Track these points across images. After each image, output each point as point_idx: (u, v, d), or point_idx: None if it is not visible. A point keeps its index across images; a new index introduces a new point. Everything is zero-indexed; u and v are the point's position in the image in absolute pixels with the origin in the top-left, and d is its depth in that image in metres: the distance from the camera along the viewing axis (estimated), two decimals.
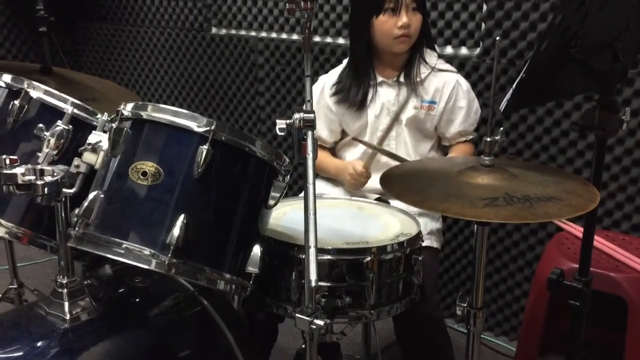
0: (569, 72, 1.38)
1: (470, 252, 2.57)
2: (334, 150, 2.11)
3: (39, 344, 1.32)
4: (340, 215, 1.75)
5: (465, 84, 2.00)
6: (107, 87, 2.24)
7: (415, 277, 1.54)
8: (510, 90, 1.30)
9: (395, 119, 1.93)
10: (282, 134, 1.15)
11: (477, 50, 2.37)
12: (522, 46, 2.25)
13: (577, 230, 2.07)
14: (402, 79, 1.97)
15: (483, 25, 2.33)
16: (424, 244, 1.62)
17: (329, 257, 1.44)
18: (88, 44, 3.73)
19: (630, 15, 1.42)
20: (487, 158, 1.37)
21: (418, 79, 1.95)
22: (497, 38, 1.33)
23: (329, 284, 1.44)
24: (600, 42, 1.37)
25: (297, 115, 1.14)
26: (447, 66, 2.03)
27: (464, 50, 2.42)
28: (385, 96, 1.98)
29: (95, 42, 3.69)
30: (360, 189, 1.95)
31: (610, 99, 1.39)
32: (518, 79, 1.28)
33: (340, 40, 2.73)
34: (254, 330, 1.80)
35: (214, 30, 3.16)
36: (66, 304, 1.38)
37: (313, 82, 2.06)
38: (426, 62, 1.97)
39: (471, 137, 2.02)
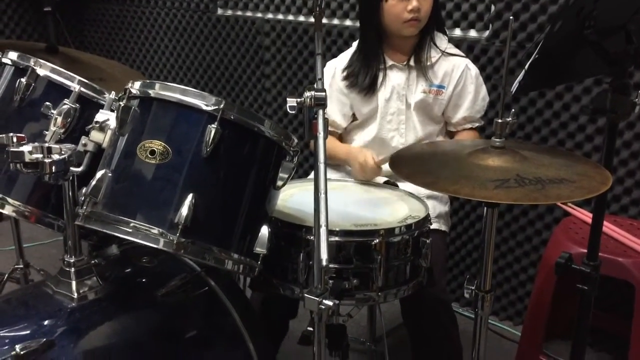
0: (582, 54, 1.37)
1: (476, 236, 2.56)
2: (340, 137, 2.09)
3: (46, 322, 1.32)
4: (349, 198, 1.74)
5: (474, 69, 1.98)
6: (113, 67, 2.23)
7: (423, 260, 1.53)
8: (522, 72, 1.29)
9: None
10: (293, 112, 1.14)
11: (486, 33, 2.35)
12: (532, 29, 2.22)
13: (585, 215, 2.06)
14: (412, 62, 1.95)
15: (493, 7, 2.30)
16: (432, 227, 1.61)
17: (336, 238, 1.43)
18: (93, 25, 3.71)
19: None
20: (498, 140, 1.35)
21: (428, 63, 1.94)
22: (511, 18, 1.30)
23: (336, 266, 1.43)
24: (613, 23, 1.35)
25: (308, 94, 1.12)
26: (457, 50, 2.01)
27: (472, 33, 2.40)
28: (395, 80, 1.96)
29: (100, 22, 3.66)
30: (365, 179, 1.92)
31: (623, 81, 1.37)
32: (530, 60, 1.27)
33: (348, 22, 2.71)
34: (269, 310, 1.80)
35: (219, 11, 3.14)
36: (74, 283, 1.39)
37: (323, 63, 2.05)
38: (436, 46, 1.95)
39: (477, 124, 2.01)
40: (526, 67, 1.30)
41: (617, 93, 1.37)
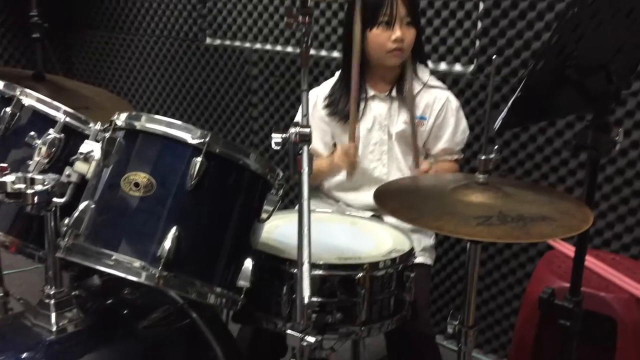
0: (564, 92, 1.39)
1: (461, 268, 2.56)
2: None
3: (24, 355, 1.30)
4: (333, 230, 1.74)
5: (455, 102, 2.00)
6: (100, 95, 2.23)
7: (407, 294, 1.53)
8: (506, 109, 1.31)
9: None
10: (278, 148, 1.15)
11: (471, 67, 2.38)
12: (516, 64, 2.26)
13: (568, 249, 2.07)
14: (394, 93, 1.97)
15: (477, 42, 2.34)
16: (416, 261, 1.62)
17: (320, 272, 1.43)
18: (81, 52, 3.72)
19: (624, 37, 1.43)
20: (481, 176, 1.36)
21: (410, 94, 1.96)
22: (494, 56, 1.33)
23: (320, 300, 1.43)
24: (594, 63, 1.38)
25: (292, 130, 1.13)
26: (439, 83, 2.04)
27: (458, 67, 2.43)
28: (376, 110, 1.98)
29: (88, 49, 3.68)
30: (355, 167, 1.96)
31: (604, 119, 1.39)
32: (513, 97, 1.28)
33: (335, 54, 2.74)
34: (258, 346, 1.78)
35: (208, 40, 3.16)
36: (53, 315, 1.37)
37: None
38: (418, 78, 1.98)
39: (457, 156, 2.02)
40: (509, 103, 1.32)
41: (598, 131, 1.39)
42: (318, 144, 2.03)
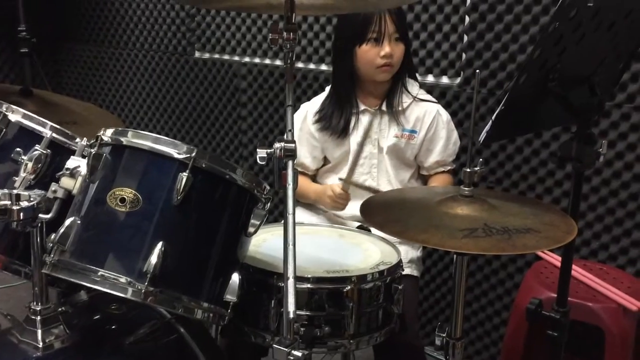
0: (547, 105, 1.41)
1: (450, 279, 2.57)
2: (314, 177, 2.12)
3: None
4: (321, 243, 1.74)
5: (445, 115, 2.02)
6: (88, 110, 2.23)
7: (395, 306, 1.54)
8: (490, 122, 1.32)
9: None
10: (263, 163, 1.15)
11: (458, 80, 2.40)
12: (502, 77, 2.28)
13: (556, 259, 2.08)
14: (384, 107, 1.98)
15: (464, 55, 2.36)
16: (404, 273, 1.62)
17: (308, 285, 1.43)
18: (70, 66, 3.72)
19: (607, 51, 1.45)
20: (466, 189, 1.37)
21: (400, 108, 1.97)
22: (477, 70, 1.34)
23: (308, 313, 1.43)
24: (577, 76, 1.39)
25: (277, 145, 1.14)
26: (428, 96, 2.05)
27: (445, 80, 2.45)
28: (367, 124, 1.99)
29: (77, 64, 3.68)
30: (342, 210, 1.95)
31: (587, 131, 1.41)
32: (497, 111, 1.29)
33: (323, 67, 2.75)
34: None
35: (197, 54, 3.17)
36: (39, 332, 1.36)
37: (295, 109, 2.08)
38: (408, 92, 1.99)
39: (449, 167, 2.04)
40: (493, 117, 1.33)
41: (582, 143, 1.41)
42: (307, 158, 2.04)
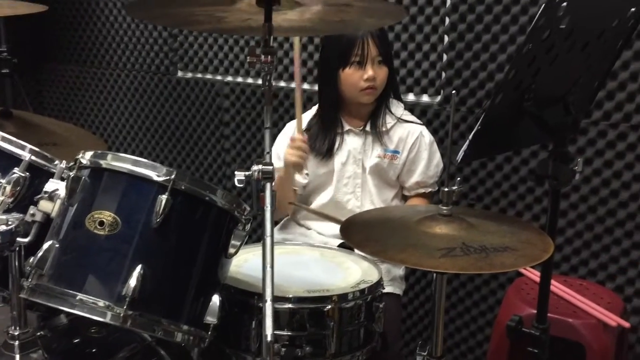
0: (523, 124, 1.43)
1: (432, 297, 2.57)
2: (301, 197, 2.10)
3: None
4: (302, 262, 1.74)
5: (428, 136, 2.04)
6: (69, 130, 2.23)
7: (376, 324, 1.54)
8: (467, 142, 1.34)
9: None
10: (241, 185, 1.16)
11: (438, 98, 2.43)
12: (481, 95, 2.31)
13: (537, 276, 2.09)
14: (368, 128, 2.00)
15: (443, 74, 2.39)
16: (385, 291, 1.63)
17: (289, 305, 1.44)
18: (52, 86, 3.70)
19: (581, 70, 1.48)
20: (445, 208, 1.39)
21: (384, 129, 1.99)
22: (454, 91, 1.36)
23: (289, 333, 1.44)
24: (552, 95, 1.42)
25: (255, 167, 1.15)
26: (412, 117, 2.07)
27: (425, 98, 2.48)
28: (351, 144, 2.00)
29: (59, 84, 3.66)
30: (305, 161, 1.90)
31: (563, 150, 1.43)
32: (474, 130, 1.31)
33: (305, 86, 2.77)
34: None
35: (179, 73, 3.18)
36: (17, 357, 1.36)
37: (280, 129, 2.09)
38: (392, 113, 2.01)
39: (430, 189, 2.05)
40: (470, 136, 1.35)
41: (558, 161, 1.43)
42: (296, 175, 2.03)
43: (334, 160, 2.01)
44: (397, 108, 2.04)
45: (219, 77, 3.05)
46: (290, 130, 2.06)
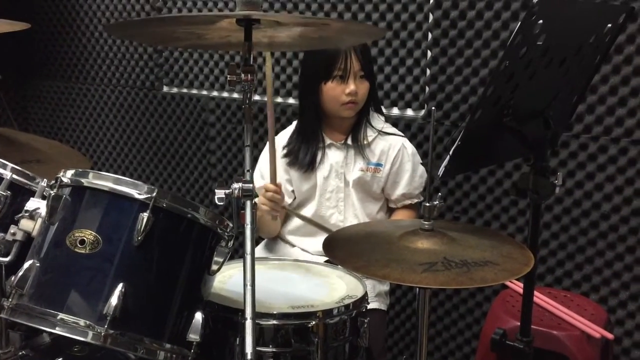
0: (503, 139, 1.44)
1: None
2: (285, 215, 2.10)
3: None
4: (287, 278, 1.74)
5: (410, 148, 2.05)
6: (53, 148, 2.21)
7: (361, 339, 1.54)
8: (447, 157, 1.35)
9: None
10: (221, 203, 1.16)
11: (422, 112, 2.45)
12: (464, 109, 2.33)
13: (522, 288, 2.11)
14: (349, 141, 2.01)
15: (427, 88, 2.41)
16: (371, 307, 1.63)
17: (274, 321, 1.44)
18: (37, 102, 3.69)
19: (560, 85, 1.50)
20: (426, 222, 1.39)
21: (365, 142, 2.00)
22: (433, 108, 1.37)
23: (274, 350, 1.43)
24: (531, 110, 1.43)
25: (236, 185, 1.15)
26: (394, 130, 2.09)
27: (409, 112, 2.49)
28: (333, 158, 2.01)
29: (44, 100, 3.65)
30: (279, 211, 1.88)
31: (543, 164, 1.45)
32: (454, 146, 1.32)
33: (291, 100, 2.78)
34: None
35: (165, 88, 3.18)
36: None
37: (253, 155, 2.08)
38: (372, 126, 2.02)
39: (416, 200, 2.06)
40: (450, 152, 1.36)
41: (538, 175, 1.44)
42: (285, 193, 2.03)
43: (316, 175, 2.01)
44: (378, 121, 2.05)
45: (204, 92, 3.05)
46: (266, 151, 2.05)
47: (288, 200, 2.05)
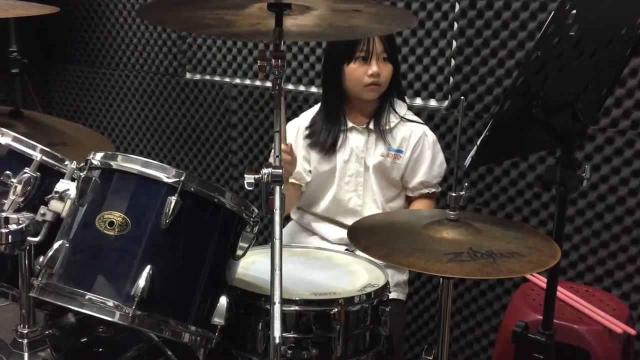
0: (531, 131, 1.43)
1: (437, 301, 2.58)
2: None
3: None
4: (309, 265, 1.75)
5: (431, 136, 2.04)
6: (78, 131, 2.24)
7: (382, 328, 1.54)
8: (474, 147, 1.34)
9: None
10: (250, 188, 1.17)
11: (446, 103, 2.43)
12: (489, 100, 2.32)
13: (542, 281, 2.10)
14: (371, 126, 2.01)
15: (451, 79, 2.40)
16: (390, 297, 1.63)
17: (296, 308, 1.45)
18: (61, 86, 3.73)
19: (589, 77, 1.48)
20: (452, 212, 1.39)
21: (387, 127, 1.99)
22: (462, 97, 1.37)
23: (295, 335, 1.44)
24: (560, 102, 1.42)
25: (265, 170, 1.15)
26: (415, 117, 2.08)
27: (432, 102, 2.48)
28: (354, 142, 2.01)
29: (68, 84, 3.69)
30: (290, 172, 1.87)
31: (571, 156, 1.43)
32: (482, 136, 1.32)
33: (313, 89, 2.78)
34: None
35: (188, 75, 3.19)
36: (26, 355, 1.36)
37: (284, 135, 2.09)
38: (395, 112, 2.02)
39: (434, 190, 2.05)
40: (478, 142, 1.36)
41: (566, 168, 1.43)
42: (300, 168, 2.03)
43: (337, 158, 2.01)
44: (401, 108, 2.04)
45: (227, 79, 3.06)
46: (295, 127, 2.07)
47: (307, 178, 2.05)
